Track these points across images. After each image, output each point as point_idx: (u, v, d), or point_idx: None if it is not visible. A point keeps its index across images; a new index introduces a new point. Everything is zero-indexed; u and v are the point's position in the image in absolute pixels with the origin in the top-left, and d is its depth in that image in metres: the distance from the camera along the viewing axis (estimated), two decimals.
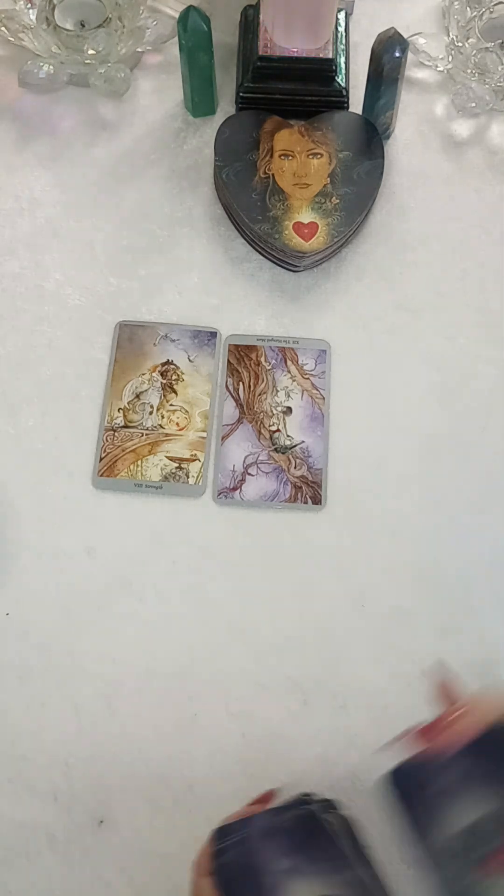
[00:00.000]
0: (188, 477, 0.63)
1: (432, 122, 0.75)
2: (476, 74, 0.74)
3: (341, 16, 0.72)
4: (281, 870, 0.41)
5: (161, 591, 0.60)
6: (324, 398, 0.65)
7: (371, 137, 0.70)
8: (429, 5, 0.79)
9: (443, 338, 0.67)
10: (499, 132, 0.74)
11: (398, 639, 0.59)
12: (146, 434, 0.64)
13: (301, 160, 0.69)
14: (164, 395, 0.65)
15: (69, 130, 0.74)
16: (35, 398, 0.65)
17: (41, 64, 0.73)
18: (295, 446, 0.64)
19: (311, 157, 0.69)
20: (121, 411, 0.65)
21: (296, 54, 0.69)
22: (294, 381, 0.66)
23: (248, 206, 0.67)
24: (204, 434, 0.64)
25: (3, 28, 0.73)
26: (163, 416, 0.65)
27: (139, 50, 0.75)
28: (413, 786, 0.42)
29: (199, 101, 0.73)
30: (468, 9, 0.75)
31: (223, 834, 0.45)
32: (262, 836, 0.43)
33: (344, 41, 0.72)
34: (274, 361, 0.66)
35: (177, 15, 0.67)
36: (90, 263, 0.69)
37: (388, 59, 0.65)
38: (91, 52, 0.72)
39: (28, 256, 0.70)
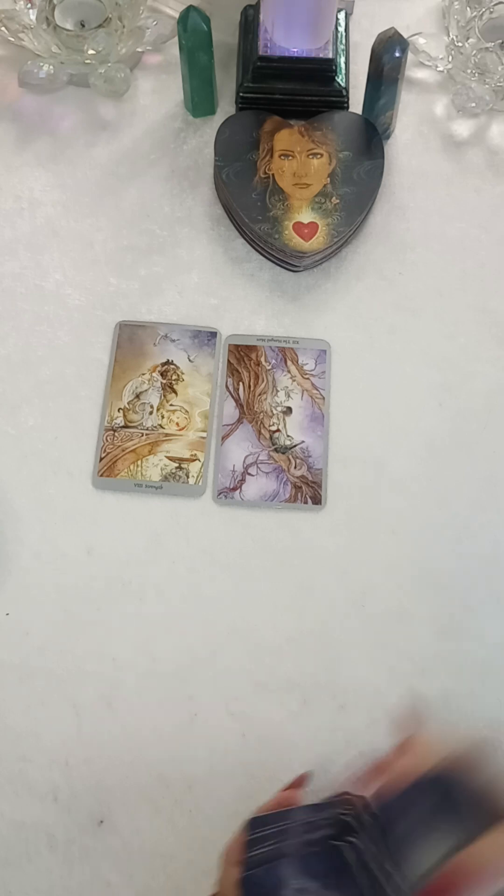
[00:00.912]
0: (188, 477, 0.63)
1: (432, 122, 0.75)
2: (476, 74, 0.74)
3: (341, 16, 0.72)
4: (293, 888, 0.41)
5: (161, 591, 0.60)
6: (324, 398, 0.65)
7: (371, 137, 0.70)
8: (429, 5, 0.79)
9: (443, 338, 0.67)
10: (499, 132, 0.74)
11: (398, 639, 0.59)
12: (146, 434, 0.64)
13: (301, 160, 0.69)
14: (164, 395, 0.65)
15: (69, 130, 0.74)
16: (35, 398, 0.65)
17: (41, 64, 0.73)
18: (295, 446, 0.64)
19: (311, 157, 0.69)
20: (121, 411, 0.65)
21: (296, 54, 0.69)
22: (294, 381, 0.66)
23: (248, 206, 0.67)
24: (204, 434, 0.64)
25: (3, 28, 0.73)
26: (163, 416, 0.65)
27: (139, 50, 0.75)
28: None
29: (199, 101, 0.73)
30: (468, 9, 0.75)
31: (256, 824, 0.45)
32: (296, 842, 0.43)
33: (344, 41, 0.72)
34: (274, 361, 0.66)
35: (177, 15, 0.67)
36: (90, 263, 0.69)
37: (388, 59, 0.65)
38: (91, 52, 0.72)
39: (28, 256, 0.70)
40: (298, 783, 0.51)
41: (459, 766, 0.40)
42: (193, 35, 0.66)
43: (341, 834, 0.43)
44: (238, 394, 0.65)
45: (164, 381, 0.66)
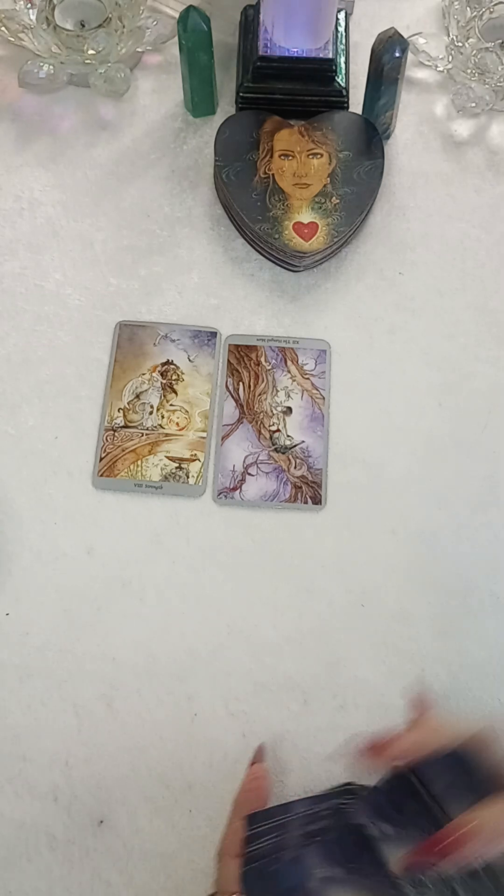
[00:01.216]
0: (188, 477, 0.63)
1: (432, 122, 0.75)
2: (476, 74, 0.74)
3: (341, 16, 0.72)
4: (318, 877, 0.41)
5: (161, 591, 0.60)
6: (324, 398, 0.65)
7: (371, 137, 0.70)
8: (429, 5, 0.79)
9: (443, 338, 0.67)
10: (499, 132, 0.74)
11: (398, 639, 0.59)
12: (146, 434, 0.64)
13: (301, 160, 0.69)
14: (164, 395, 0.65)
15: (69, 130, 0.74)
16: (35, 398, 0.65)
17: (41, 64, 0.73)
18: (295, 446, 0.64)
19: (311, 157, 0.69)
20: (121, 411, 0.65)
21: (296, 54, 0.69)
22: (294, 381, 0.66)
23: (248, 206, 0.67)
24: (204, 434, 0.64)
25: (3, 28, 0.73)
26: (163, 416, 0.65)
27: (139, 50, 0.75)
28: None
29: (199, 101, 0.73)
30: (468, 9, 0.75)
31: (256, 820, 0.45)
32: (297, 833, 0.43)
33: (344, 41, 0.72)
34: (274, 361, 0.66)
35: (177, 15, 0.67)
36: (90, 263, 0.69)
37: (388, 59, 0.65)
38: (91, 52, 0.72)
39: (28, 256, 0.70)
40: (259, 757, 0.54)
41: (473, 744, 0.42)
42: (193, 35, 0.66)
43: (341, 823, 0.43)
44: (238, 394, 0.65)
45: (164, 381, 0.66)
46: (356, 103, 0.72)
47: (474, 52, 0.73)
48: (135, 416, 0.65)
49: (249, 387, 0.66)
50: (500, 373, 0.66)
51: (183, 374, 0.66)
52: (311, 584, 0.60)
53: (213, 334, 0.67)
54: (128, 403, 0.65)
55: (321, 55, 0.69)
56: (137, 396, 0.65)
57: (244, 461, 0.63)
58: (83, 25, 0.75)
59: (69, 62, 0.74)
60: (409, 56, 0.69)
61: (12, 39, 0.74)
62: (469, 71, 0.74)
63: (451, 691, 0.58)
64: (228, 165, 0.68)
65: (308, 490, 0.62)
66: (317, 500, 0.62)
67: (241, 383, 0.66)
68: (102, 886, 0.53)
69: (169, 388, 0.65)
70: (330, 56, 0.69)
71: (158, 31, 0.75)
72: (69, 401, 0.65)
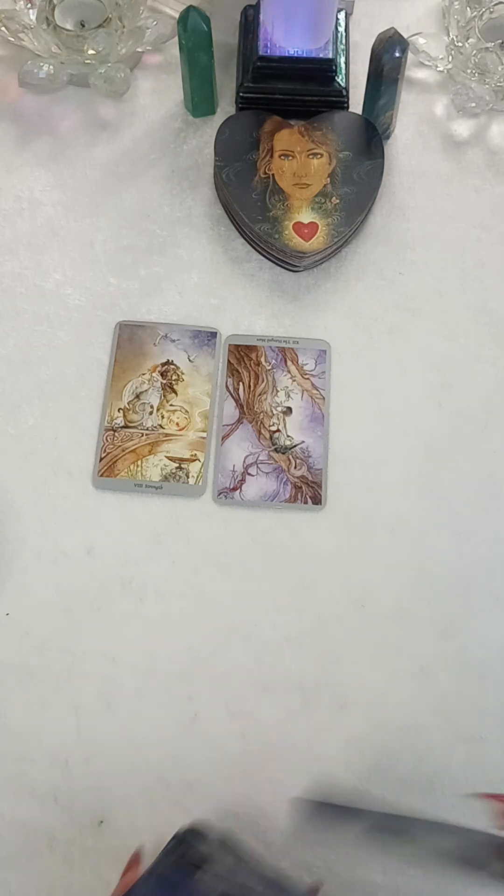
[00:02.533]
0: (188, 477, 0.63)
1: (432, 122, 0.75)
2: (476, 74, 0.74)
3: (341, 16, 0.72)
4: None
5: (161, 591, 0.60)
6: (324, 398, 0.65)
7: (371, 137, 0.70)
8: (429, 5, 0.79)
9: (443, 338, 0.67)
10: (499, 132, 0.74)
11: (398, 639, 0.59)
12: (146, 434, 0.64)
13: (301, 160, 0.69)
14: (164, 395, 0.65)
15: (69, 130, 0.74)
16: (35, 398, 0.65)
17: (41, 64, 0.73)
18: (295, 446, 0.64)
19: (311, 157, 0.69)
20: (121, 411, 0.65)
21: (296, 54, 0.69)
22: (294, 381, 0.66)
23: (248, 206, 0.67)
24: (204, 434, 0.64)
25: (3, 28, 0.73)
26: (163, 416, 0.65)
27: (139, 50, 0.75)
28: None
29: (199, 101, 0.73)
30: (468, 9, 0.75)
31: None
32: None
33: (344, 41, 0.72)
34: (274, 361, 0.66)
35: (177, 15, 0.67)
36: (90, 263, 0.69)
37: (388, 59, 0.65)
38: (91, 52, 0.72)
39: (28, 256, 0.70)
40: (133, 863, 0.50)
41: None
42: (193, 35, 0.66)
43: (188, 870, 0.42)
44: (238, 394, 0.65)
45: (164, 381, 0.66)
46: (356, 103, 0.72)
47: (474, 52, 0.73)
48: (135, 416, 0.65)
49: (249, 387, 0.66)
50: (500, 373, 0.66)
51: (183, 374, 0.66)
52: (311, 584, 0.60)
53: (213, 334, 0.67)
54: (128, 403, 0.65)
55: (321, 55, 0.69)
56: (137, 396, 0.65)
57: (244, 461, 0.63)
58: (83, 25, 0.75)
59: (69, 62, 0.74)
60: (409, 56, 0.69)
61: (12, 39, 0.74)
62: (469, 71, 0.74)
63: (451, 692, 0.58)
64: (228, 165, 0.68)
65: (308, 490, 0.62)
66: (317, 500, 0.62)
67: (241, 383, 0.66)
68: (102, 886, 0.53)
69: (169, 388, 0.65)
70: (330, 56, 0.69)
71: (158, 31, 0.75)
72: (69, 401, 0.65)
